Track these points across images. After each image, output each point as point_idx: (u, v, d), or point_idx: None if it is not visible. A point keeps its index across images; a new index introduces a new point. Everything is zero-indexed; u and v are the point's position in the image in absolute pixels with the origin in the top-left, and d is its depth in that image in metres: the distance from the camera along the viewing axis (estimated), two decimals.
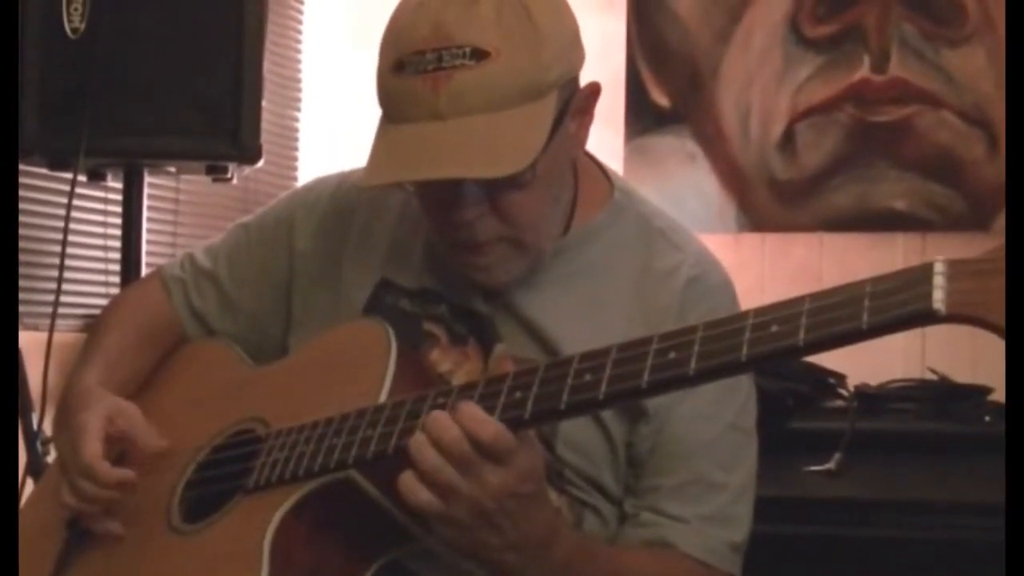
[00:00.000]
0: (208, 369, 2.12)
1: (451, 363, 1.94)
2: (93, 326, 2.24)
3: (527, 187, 1.83)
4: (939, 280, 1.38)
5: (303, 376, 1.95)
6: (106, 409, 1.96)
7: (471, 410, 1.61)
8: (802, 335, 1.45)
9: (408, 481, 1.62)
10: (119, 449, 1.96)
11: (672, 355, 1.54)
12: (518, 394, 1.62)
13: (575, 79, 1.88)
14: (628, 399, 1.72)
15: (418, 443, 1.62)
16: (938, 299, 1.38)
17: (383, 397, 1.76)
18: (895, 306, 1.40)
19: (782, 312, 1.48)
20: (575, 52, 1.87)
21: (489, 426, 1.59)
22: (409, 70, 1.78)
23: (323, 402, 1.82)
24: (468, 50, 1.75)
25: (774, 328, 1.47)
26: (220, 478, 1.89)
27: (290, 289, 2.11)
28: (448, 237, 1.90)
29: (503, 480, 1.60)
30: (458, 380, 1.90)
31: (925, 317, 1.39)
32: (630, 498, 1.92)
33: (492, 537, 1.65)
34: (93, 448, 1.90)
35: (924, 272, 1.40)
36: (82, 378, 2.06)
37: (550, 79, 1.80)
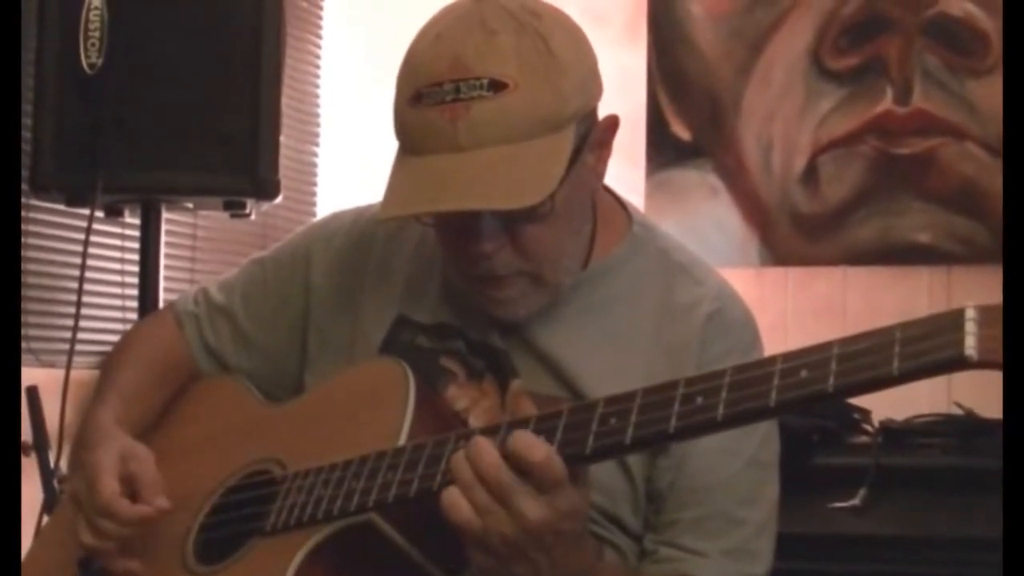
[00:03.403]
0: (222, 407, 2.11)
1: (468, 400, 1.93)
2: (106, 362, 2.23)
3: (545, 220, 1.82)
4: (971, 326, 1.38)
5: (320, 416, 1.93)
6: (120, 449, 1.94)
7: (524, 434, 1.60)
8: (832, 381, 1.44)
9: (451, 495, 1.61)
10: (130, 490, 1.94)
11: (700, 400, 1.53)
12: (542, 439, 1.60)
13: (593, 112, 1.87)
14: (655, 444, 1.72)
15: (457, 460, 1.61)
16: (970, 345, 1.37)
17: (402, 439, 1.75)
18: (926, 352, 1.39)
19: (811, 357, 1.47)
20: (593, 85, 1.87)
21: (541, 448, 1.58)
22: (427, 102, 1.78)
23: (340, 443, 1.81)
24: (486, 81, 1.75)
25: (803, 374, 1.47)
26: (236, 520, 1.87)
27: (306, 325, 2.09)
28: (467, 270, 1.89)
29: (543, 515, 1.59)
30: (475, 417, 1.89)
31: (957, 363, 1.38)
32: (649, 534, 1.90)
33: (528, 571, 1.63)
34: (112, 486, 1.89)
35: (955, 318, 1.39)
36: (97, 416, 2.04)
37: (568, 111, 1.79)
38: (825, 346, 1.47)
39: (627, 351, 1.91)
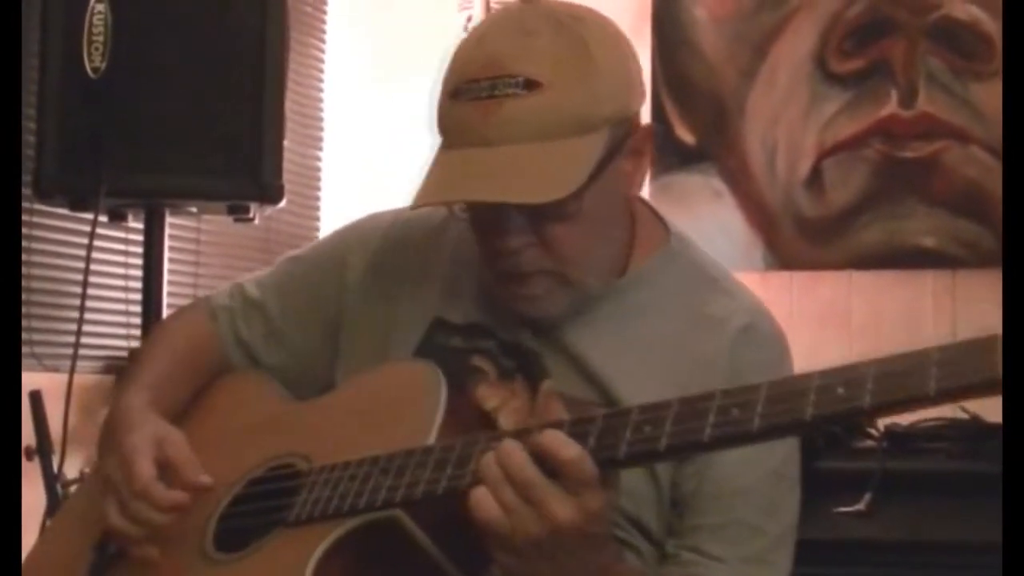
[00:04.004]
0: (248, 402, 2.12)
1: (498, 399, 1.94)
2: (138, 349, 2.28)
3: (572, 220, 1.84)
4: None
5: (348, 414, 1.94)
6: (154, 433, 1.95)
7: (555, 432, 1.61)
8: (868, 399, 1.45)
9: (479, 493, 1.62)
10: (164, 474, 1.93)
11: (735, 412, 1.54)
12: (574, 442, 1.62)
13: (631, 118, 1.90)
14: (689, 453, 1.75)
15: (486, 460, 1.62)
16: None
17: (431, 440, 1.75)
18: (963, 374, 1.40)
19: (847, 375, 1.48)
20: (631, 91, 1.90)
21: (572, 447, 1.59)
22: (463, 97, 1.82)
23: (368, 441, 1.82)
24: (521, 80, 1.79)
25: (840, 391, 1.47)
26: (258, 511, 1.88)
27: (339, 323, 2.11)
28: (494, 265, 1.91)
29: (571, 516, 1.59)
30: (505, 416, 1.91)
31: (993, 386, 1.38)
32: (672, 539, 1.91)
33: (551, 571, 1.64)
34: (148, 470, 1.89)
35: (991, 342, 1.39)
36: (128, 400, 2.05)
37: (602, 114, 1.82)
38: (861, 365, 1.48)
39: (658, 358, 1.92)
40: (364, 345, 2.06)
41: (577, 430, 1.62)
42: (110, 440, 2.00)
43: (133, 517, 1.89)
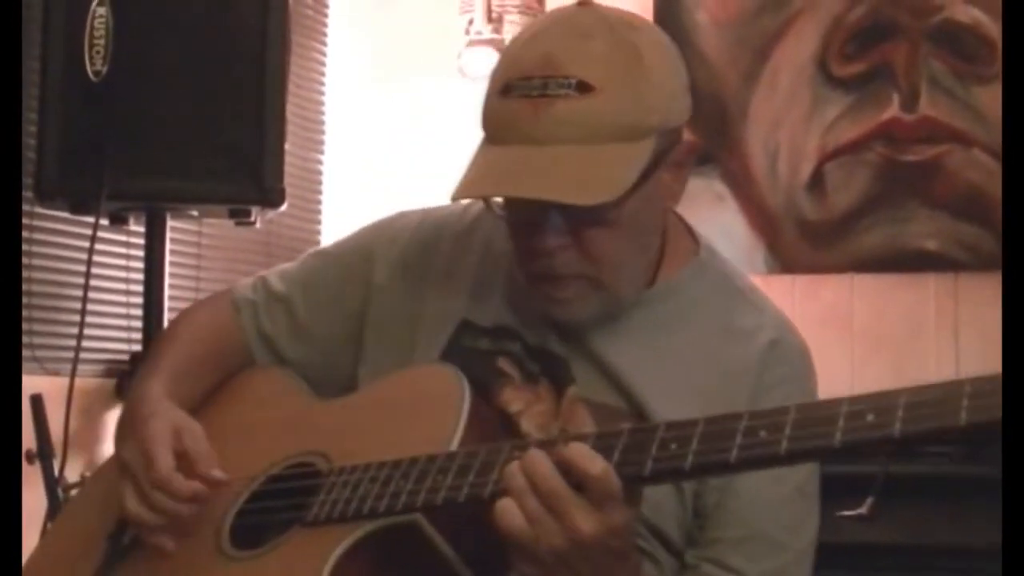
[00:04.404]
0: (269, 397, 2.12)
1: (523, 402, 1.94)
2: (160, 337, 2.26)
3: (611, 226, 1.84)
4: None
5: (370, 415, 1.94)
6: (174, 422, 1.95)
7: (582, 446, 1.61)
8: (899, 427, 1.44)
9: (504, 502, 1.62)
10: (182, 464, 1.93)
11: (763, 434, 1.53)
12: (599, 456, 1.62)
13: (676, 130, 1.91)
14: (714, 473, 1.74)
15: (511, 468, 1.62)
16: None
17: (454, 446, 1.76)
18: (995, 407, 1.39)
19: (878, 403, 1.48)
20: (679, 103, 1.91)
21: (598, 462, 1.59)
22: (515, 93, 1.82)
23: (390, 444, 1.82)
24: (574, 82, 1.79)
25: (870, 418, 1.47)
26: (276, 508, 1.88)
27: (364, 321, 2.11)
28: (529, 265, 1.91)
29: (595, 530, 1.59)
30: (528, 420, 1.91)
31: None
32: (692, 549, 1.91)
33: None
34: (167, 459, 1.90)
35: None
36: (148, 388, 2.04)
37: (650, 123, 1.83)
38: (892, 393, 1.48)
39: (685, 368, 1.92)
40: (389, 343, 2.07)
41: (602, 444, 1.62)
42: (128, 427, 1.99)
43: (151, 505, 1.89)
